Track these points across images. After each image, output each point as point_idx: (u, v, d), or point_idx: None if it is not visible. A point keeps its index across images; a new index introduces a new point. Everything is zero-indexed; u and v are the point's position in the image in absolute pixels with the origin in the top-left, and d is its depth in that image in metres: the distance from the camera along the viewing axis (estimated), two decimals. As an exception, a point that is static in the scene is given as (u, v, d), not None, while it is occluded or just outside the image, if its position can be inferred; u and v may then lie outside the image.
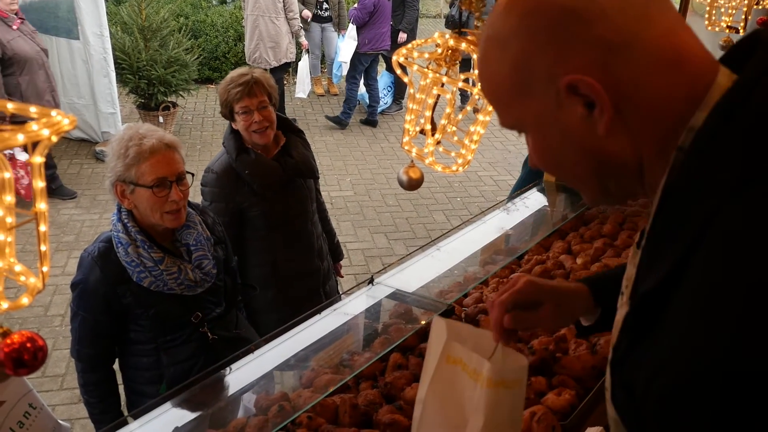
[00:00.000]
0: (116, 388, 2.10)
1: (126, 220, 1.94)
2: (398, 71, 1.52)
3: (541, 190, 2.82)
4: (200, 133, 7.29)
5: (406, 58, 1.49)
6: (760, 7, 3.64)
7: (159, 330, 2.01)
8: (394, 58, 1.49)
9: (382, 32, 7.27)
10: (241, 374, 1.75)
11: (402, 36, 7.49)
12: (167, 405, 1.61)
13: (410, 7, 7.57)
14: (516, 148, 7.23)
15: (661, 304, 0.66)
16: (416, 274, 2.12)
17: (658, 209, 0.70)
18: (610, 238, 2.47)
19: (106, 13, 6.31)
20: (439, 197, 6.04)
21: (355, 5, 7.22)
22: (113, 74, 6.32)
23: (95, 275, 1.93)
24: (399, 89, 8.20)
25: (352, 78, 7.49)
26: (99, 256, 1.94)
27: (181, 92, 7.07)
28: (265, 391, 1.70)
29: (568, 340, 1.77)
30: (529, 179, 3.19)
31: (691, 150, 0.66)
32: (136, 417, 1.60)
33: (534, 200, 2.79)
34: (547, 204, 2.80)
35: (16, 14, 4.96)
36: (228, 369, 1.74)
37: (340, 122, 7.58)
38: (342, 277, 3.34)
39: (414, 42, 1.52)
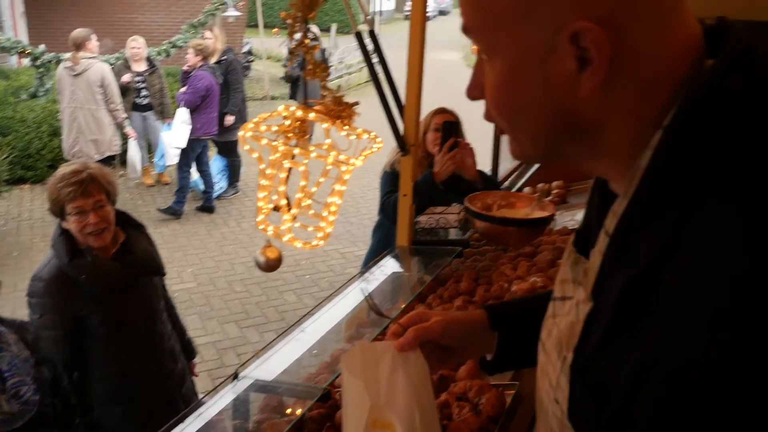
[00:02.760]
0: None
1: None
2: (246, 147, 1.44)
3: (395, 256, 2.81)
4: (16, 239, 6.61)
5: (254, 133, 1.41)
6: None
7: None
8: (241, 133, 1.40)
9: (213, 116, 7.15)
10: None
11: (229, 119, 7.39)
12: None
13: (235, 89, 7.53)
14: (357, 219, 7.31)
15: (644, 292, 0.60)
16: (282, 361, 1.98)
17: (637, 190, 0.64)
18: (468, 294, 2.49)
19: None
20: (288, 277, 5.89)
21: (184, 89, 7.05)
22: None
23: None
24: (233, 172, 8.05)
25: (184, 165, 7.24)
26: None
27: (-11, 195, 6.41)
28: None
29: (450, 404, 1.72)
30: (380, 248, 3.19)
31: (672, 126, 0.62)
32: None
33: (389, 267, 2.77)
34: (402, 269, 2.79)
35: None
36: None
37: (174, 212, 7.25)
38: (197, 375, 3.08)
39: (260, 116, 1.45)
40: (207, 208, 7.50)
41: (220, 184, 7.92)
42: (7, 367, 1.76)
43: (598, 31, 0.60)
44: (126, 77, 7.42)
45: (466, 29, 0.72)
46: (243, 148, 1.45)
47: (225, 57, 7.46)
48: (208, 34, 7.74)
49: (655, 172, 0.64)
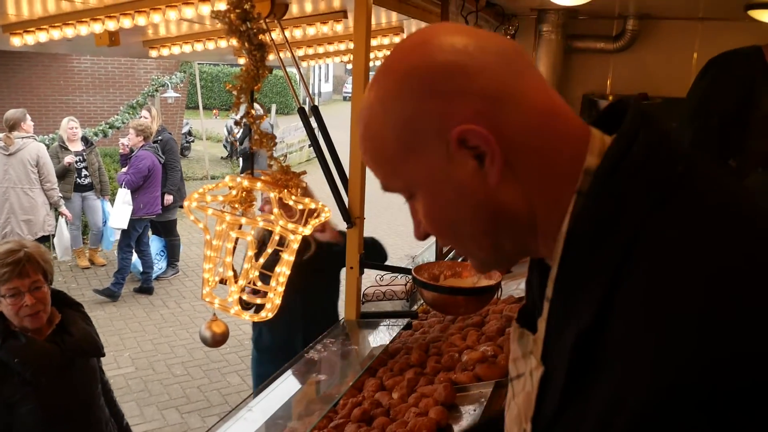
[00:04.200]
0: None
1: None
2: (191, 217, 1.41)
3: (343, 330, 2.77)
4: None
5: (200, 203, 1.39)
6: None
7: None
8: (186, 203, 1.38)
9: (155, 196, 7.03)
10: None
11: (168, 198, 7.30)
12: None
13: (172, 168, 7.46)
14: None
15: (594, 347, 0.62)
16: (229, 443, 1.89)
17: (564, 254, 0.68)
18: (420, 366, 2.46)
19: None
20: (231, 358, 5.70)
21: (125, 170, 6.95)
22: None
23: None
24: (172, 252, 7.87)
25: (126, 246, 7.05)
26: None
27: None
28: None
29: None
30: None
31: (593, 191, 0.67)
32: None
33: (337, 341, 2.72)
34: (350, 343, 2.74)
35: None
36: None
37: (111, 294, 6.99)
38: (134, 465, 2.90)
39: (205, 186, 1.44)
40: (146, 289, 7.26)
41: (159, 264, 7.71)
42: None
43: (474, 126, 0.67)
44: (69, 158, 7.26)
45: (384, 186, 0.79)
46: (189, 218, 1.42)
47: (160, 137, 7.43)
48: (145, 113, 7.72)
49: (574, 232, 0.68)
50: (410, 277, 2.65)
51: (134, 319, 6.55)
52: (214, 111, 21.34)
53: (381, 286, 2.89)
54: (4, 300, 2.18)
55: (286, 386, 2.35)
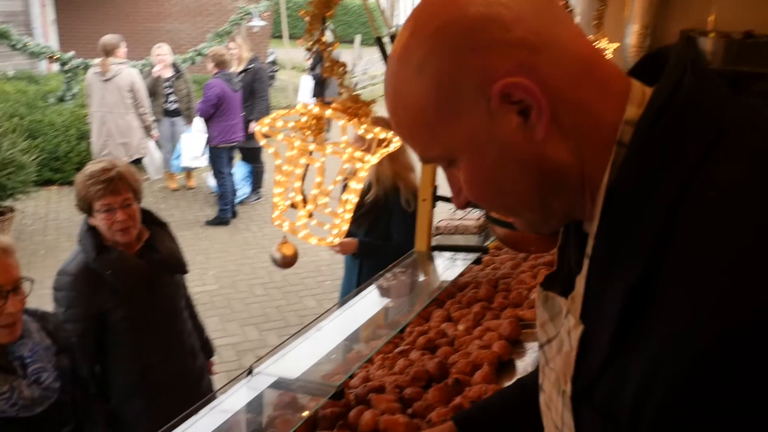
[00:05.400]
0: None
1: None
2: (262, 142, 1.45)
3: (413, 261, 2.81)
4: (43, 238, 6.72)
5: (270, 128, 1.43)
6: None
7: None
8: (257, 128, 1.42)
9: (232, 124, 7.18)
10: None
11: (253, 126, 7.46)
12: None
13: (260, 97, 7.60)
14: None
15: (646, 296, 0.60)
16: (298, 360, 1.99)
17: (606, 208, 0.66)
18: (487, 301, 2.48)
19: None
20: (309, 282, 5.91)
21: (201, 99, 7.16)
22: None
23: None
24: (256, 178, 8.11)
25: (219, 173, 7.33)
26: None
27: (18, 195, 6.53)
28: None
29: (464, 408, 1.71)
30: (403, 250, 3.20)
31: (636, 142, 0.64)
32: None
33: (407, 271, 2.77)
34: (420, 274, 2.79)
35: None
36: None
37: (222, 221, 7.29)
38: (214, 374, 3.10)
39: (277, 112, 1.47)
40: (220, 220, 7.55)
41: (243, 189, 7.98)
42: (28, 354, 1.78)
43: (518, 79, 0.64)
44: (156, 69, 7.50)
45: (424, 158, 0.76)
46: (260, 143, 1.46)
47: (252, 65, 7.55)
48: (232, 44, 7.84)
49: (625, 180, 0.65)
50: (483, 212, 2.65)
51: (218, 241, 6.87)
52: (299, 40, 21.41)
53: (453, 220, 2.89)
54: (98, 215, 2.33)
55: (356, 311, 2.44)
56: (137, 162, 7.17)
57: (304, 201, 1.50)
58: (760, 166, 0.60)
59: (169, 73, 7.68)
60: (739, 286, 0.54)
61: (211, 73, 7.10)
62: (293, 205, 1.51)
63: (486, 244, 3.01)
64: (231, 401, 1.77)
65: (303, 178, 1.51)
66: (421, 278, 2.76)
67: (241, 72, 7.41)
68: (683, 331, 0.56)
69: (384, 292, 2.60)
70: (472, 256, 2.79)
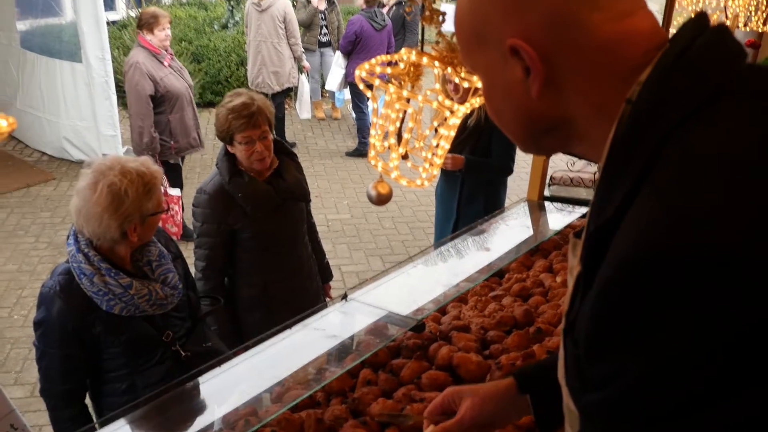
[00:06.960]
0: (91, 419, 2.06)
1: (87, 250, 1.92)
2: (361, 86, 1.54)
3: (524, 209, 2.82)
4: (200, 155, 7.34)
5: (369, 74, 1.51)
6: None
7: (132, 354, 2.00)
8: (357, 72, 1.51)
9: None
10: (210, 388, 1.75)
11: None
12: (135, 415, 1.61)
13: (410, 31, 7.64)
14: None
15: (609, 236, 0.66)
16: (392, 291, 2.12)
17: (607, 158, 0.71)
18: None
19: (109, 37, 6.40)
20: (436, 220, 6.03)
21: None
22: (114, 97, 6.39)
23: (59, 309, 1.90)
24: (399, 114, 8.24)
25: (357, 107, 7.56)
26: (61, 289, 1.91)
27: (182, 115, 7.12)
28: (234, 406, 1.70)
29: (536, 356, 1.77)
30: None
31: (638, 98, 0.68)
32: (102, 425, 1.60)
33: (517, 219, 2.80)
34: (529, 222, 2.80)
35: (165, 50, 4.89)
36: (198, 383, 1.74)
37: (360, 153, 7.57)
38: (331, 298, 3.33)
39: (378, 58, 1.54)
40: (358, 152, 7.78)
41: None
42: (155, 258, 2.05)
43: (522, 43, 0.72)
44: (315, 0, 7.74)
45: (465, 64, 0.87)
46: (360, 87, 1.55)
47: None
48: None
49: (619, 130, 0.69)
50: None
51: (356, 172, 7.14)
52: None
53: (570, 171, 2.85)
54: (238, 146, 2.56)
55: (455, 251, 2.51)
56: (287, 91, 7.52)
57: (399, 144, 1.58)
58: (732, 141, 0.61)
59: (324, 5, 7.91)
60: (665, 230, 0.58)
61: (359, 8, 7.23)
62: (389, 147, 1.60)
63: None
64: (325, 321, 1.94)
65: (400, 122, 1.58)
66: (529, 226, 2.78)
67: (391, 7, 7.46)
68: (616, 259, 0.62)
69: (489, 235, 2.65)
70: (584, 209, 2.75)
